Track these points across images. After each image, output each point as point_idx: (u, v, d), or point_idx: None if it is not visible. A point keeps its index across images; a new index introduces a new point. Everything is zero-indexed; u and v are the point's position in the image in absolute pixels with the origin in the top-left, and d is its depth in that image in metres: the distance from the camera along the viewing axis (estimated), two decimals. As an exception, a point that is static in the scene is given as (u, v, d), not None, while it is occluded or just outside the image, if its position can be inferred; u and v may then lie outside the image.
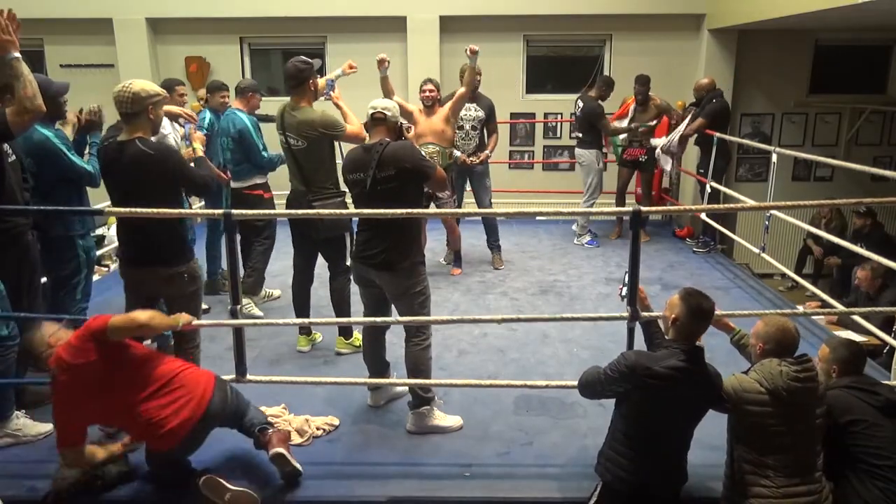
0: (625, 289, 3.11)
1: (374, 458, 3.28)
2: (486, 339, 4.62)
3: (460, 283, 5.81)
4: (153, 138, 3.23)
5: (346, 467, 3.20)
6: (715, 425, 2.80)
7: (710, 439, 2.88)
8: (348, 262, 3.98)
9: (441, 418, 3.50)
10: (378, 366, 3.71)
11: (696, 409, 2.67)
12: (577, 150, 6.99)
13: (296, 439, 3.37)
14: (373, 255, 3.37)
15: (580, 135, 6.91)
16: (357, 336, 4.33)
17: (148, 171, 3.11)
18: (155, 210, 3.04)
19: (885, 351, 4.94)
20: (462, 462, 3.23)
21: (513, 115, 8.65)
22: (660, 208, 6.30)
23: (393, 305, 3.52)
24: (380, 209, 3.19)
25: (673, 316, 2.66)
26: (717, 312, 3.28)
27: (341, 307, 4.23)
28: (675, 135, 6.79)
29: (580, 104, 6.86)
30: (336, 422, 3.54)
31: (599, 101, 6.74)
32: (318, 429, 3.45)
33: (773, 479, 2.57)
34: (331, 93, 4.32)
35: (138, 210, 3.06)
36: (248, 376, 3.28)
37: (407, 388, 3.61)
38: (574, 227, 7.17)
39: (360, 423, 3.59)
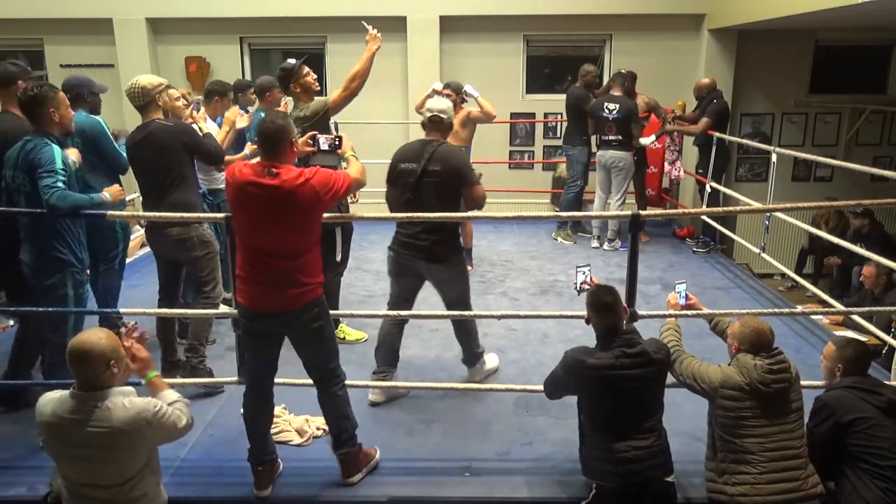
0: (580, 278, 3.24)
1: (374, 458, 3.27)
2: (486, 340, 4.59)
3: (460, 283, 5.80)
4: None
5: (347, 467, 3.19)
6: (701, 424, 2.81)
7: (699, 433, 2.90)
8: (338, 258, 4.08)
9: (489, 362, 4.05)
10: (390, 357, 3.80)
11: (647, 386, 2.72)
12: (616, 153, 6.53)
13: (296, 439, 3.39)
14: (423, 246, 3.56)
15: (620, 137, 6.48)
16: (343, 328, 4.39)
17: (167, 138, 3.67)
18: (164, 214, 3.56)
19: (884, 351, 4.93)
20: (462, 462, 3.23)
21: (513, 115, 8.63)
22: (657, 212, 6.33)
23: (438, 291, 3.78)
24: (422, 200, 3.51)
25: (587, 316, 2.84)
26: (721, 311, 3.31)
27: (329, 301, 4.21)
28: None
29: (614, 105, 6.43)
30: (336, 422, 3.54)
31: None
32: (318, 429, 3.45)
33: (756, 465, 2.63)
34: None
35: (146, 214, 3.72)
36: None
37: (407, 387, 3.65)
38: (609, 233, 6.81)
39: (361, 422, 3.58)
